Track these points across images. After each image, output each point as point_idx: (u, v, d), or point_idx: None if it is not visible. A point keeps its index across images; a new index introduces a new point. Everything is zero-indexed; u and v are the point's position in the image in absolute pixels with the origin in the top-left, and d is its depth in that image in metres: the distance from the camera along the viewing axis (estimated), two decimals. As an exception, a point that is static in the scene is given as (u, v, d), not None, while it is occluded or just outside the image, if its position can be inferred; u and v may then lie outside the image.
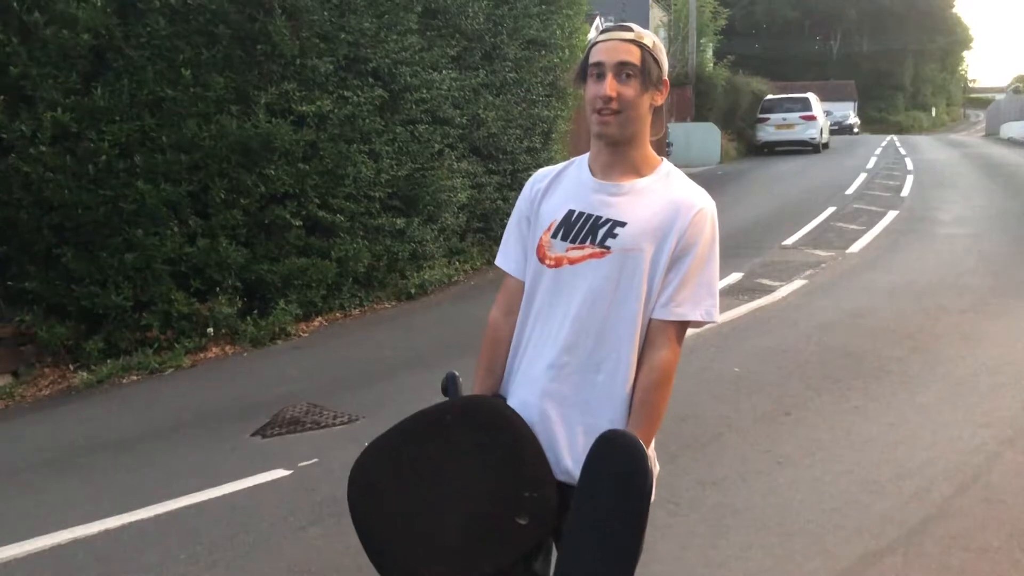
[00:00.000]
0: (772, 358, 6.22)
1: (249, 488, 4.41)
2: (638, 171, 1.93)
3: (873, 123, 55.38)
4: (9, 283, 6.73)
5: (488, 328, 2.08)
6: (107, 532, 4.00)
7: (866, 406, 5.17)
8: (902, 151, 26.64)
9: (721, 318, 7.12)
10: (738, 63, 31.45)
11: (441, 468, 1.89)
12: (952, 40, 73.00)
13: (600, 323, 1.87)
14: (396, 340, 7.46)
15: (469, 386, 2.09)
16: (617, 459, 1.75)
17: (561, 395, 1.89)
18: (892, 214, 13.04)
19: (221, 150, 7.19)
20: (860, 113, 54.76)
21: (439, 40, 9.24)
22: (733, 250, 10.48)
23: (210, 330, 7.25)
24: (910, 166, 21.11)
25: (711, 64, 29.10)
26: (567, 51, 11.59)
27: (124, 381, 6.65)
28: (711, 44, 29.91)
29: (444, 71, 9.23)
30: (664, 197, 1.89)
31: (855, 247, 10.50)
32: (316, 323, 7.99)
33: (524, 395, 1.95)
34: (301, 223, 7.83)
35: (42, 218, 6.66)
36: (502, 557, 1.85)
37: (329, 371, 6.65)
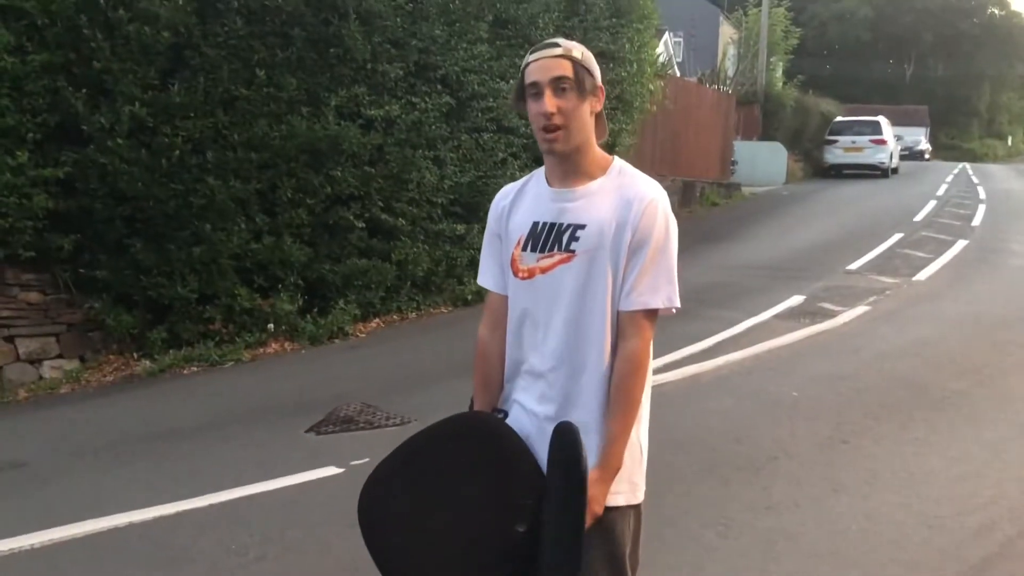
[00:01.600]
0: (831, 384, 6.09)
1: (301, 484, 4.47)
2: (591, 175, 2.00)
3: (945, 150, 54.04)
4: (81, 271, 6.93)
5: (477, 345, 2.17)
6: (162, 518, 4.08)
7: (928, 438, 5.03)
8: (975, 179, 25.94)
9: (781, 341, 7.10)
10: (808, 83, 31.01)
11: (441, 484, 1.95)
12: (1032, 68, 70.94)
13: (577, 324, 1.94)
14: (451, 345, 7.48)
15: None
16: (556, 447, 1.85)
17: (553, 402, 1.96)
18: (962, 243, 12.69)
19: (290, 150, 7.32)
20: (932, 139, 53.48)
21: (508, 50, 9.28)
22: (795, 273, 10.32)
23: (271, 326, 7.37)
24: (982, 195, 20.53)
25: (780, 83, 28.73)
26: (635, 64, 11.56)
27: (185, 372, 6.80)
28: (781, 63, 29.53)
29: (512, 81, 9.28)
30: (616, 194, 1.96)
31: (922, 275, 10.25)
32: (373, 324, 8.07)
33: (521, 406, 2.02)
34: (364, 225, 7.93)
35: (115, 209, 6.85)
36: (505, 564, 1.90)
37: (384, 372, 6.70)
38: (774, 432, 5.12)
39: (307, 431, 5.30)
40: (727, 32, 31.93)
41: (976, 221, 15.60)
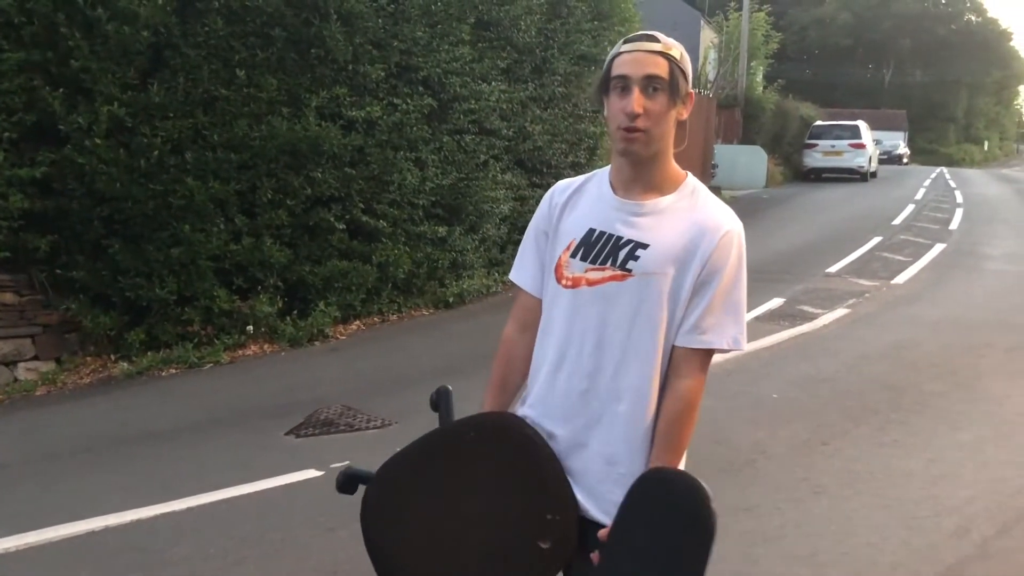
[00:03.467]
0: (811, 386, 6.13)
1: (281, 487, 4.44)
2: (661, 189, 1.83)
3: (923, 154, 54.53)
4: (58, 271, 6.85)
5: (502, 345, 2.00)
6: (140, 522, 4.04)
7: (906, 440, 5.07)
8: (952, 184, 26.21)
9: (761, 343, 7.13)
10: (788, 87, 31.21)
11: (460, 488, 1.80)
12: (1008, 74, 71.74)
13: (621, 350, 1.78)
14: (432, 348, 7.48)
15: (469, 403, 2.02)
16: (677, 498, 1.66)
17: (580, 423, 1.82)
18: (940, 247, 12.82)
19: (270, 151, 7.27)
20: (910, 144, 53.96)
21: (490, 52, 9.28)
22: (775, 275, 10.37)
23: (250, 328, 7.32)
24: (960, 199, 20.76)
25: (761, 87, 28.90)
26: (617, 68, 11.57)
27: (163, 374, 6.74)
28: (762, 67, 29.70)
29: (493, 83, 9.28)
30: (689, 218, 1.79)
31: (900, 278, 10.34)
32: (354, 327, 8.04)
33: (541, 420, 1.86)
34: (344, 227, 7.90)
35: (93, 209, 6.78)
36: None
37: (365, 375, 6.68)
38: (753, 434, 5.14)
39: (287, 433, 5.27)
40: (708, 36, 32.08)
41: (954, 225, 15.77)
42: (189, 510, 4.16)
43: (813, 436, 5.11)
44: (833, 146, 25.44)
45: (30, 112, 6.46)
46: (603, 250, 1.81)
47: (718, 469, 4.56)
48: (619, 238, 1.80)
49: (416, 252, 8.56)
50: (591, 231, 1.84)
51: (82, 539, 3.90)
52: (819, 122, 27.72)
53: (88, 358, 7.01)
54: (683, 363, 1.77)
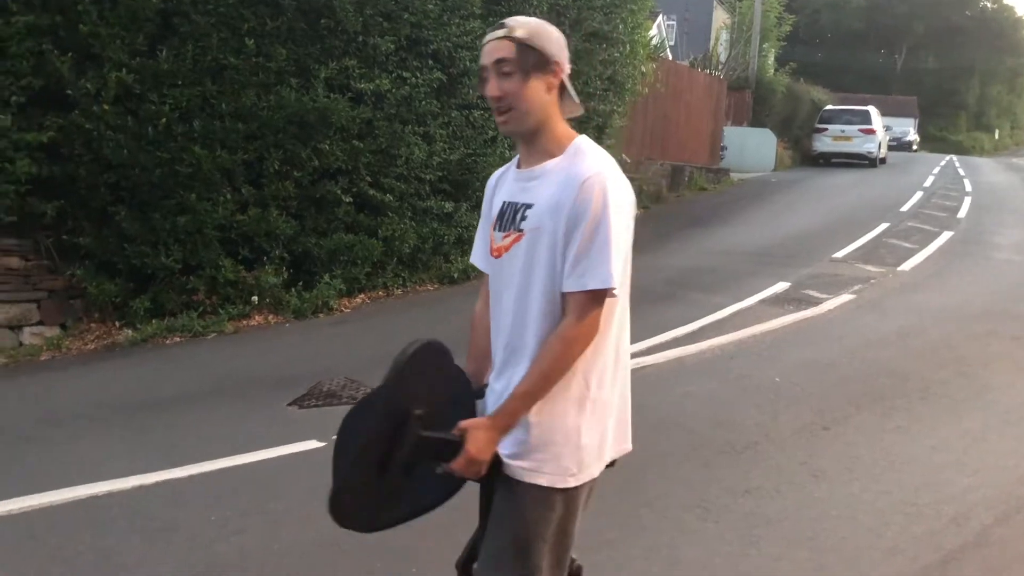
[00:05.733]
0: (814, 371, 6.12)
1: (282, 456, 4.45)
2: (550, 153, 1.98)
3: (933, 141, 54.22)
4: (64, 237, 6.86)
5: (472, 320, 2.25)
6: (142, 488, 4.06)
7: (909, 427, 5.06)
8: (961, 171, 26.05)
9: (765, 327, 7.12)
10: (799, 71, 31.00)
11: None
12: (1021, 62, 71.15)
13: (526, 302, 1.95)
14: (436, 322, 7.46)
15: None
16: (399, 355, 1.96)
17: (502, 378, 1.99)
18: (947, 235, 12.75)
19: (278, 121, 7.25)
20: (920, 130, 53.63)
21: (501, 26, 9.21)
22: (781, 259, 10.34)
23: (254, 298, 7.32)
24: (969, 187, 20.63)
25: (772, 70, 28.71)
26: (628, 46, 11.52)
27: (167, 342, 6.75)
28: (773, 50, 29.48)
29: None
30: (564, 173, 1.93)
31: (907, 265, 10.29)
32: (359, 300, 8.04)
33: (494, 383, 2.04)
34: (351, 200, 7.88)
35: (100, 176, 6.77)
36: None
37: (368, 348, 6.67)
38: (756, 417, 5.14)
39: (289, 404, 5.28)
40: (720, 17, 31.85)
41: (962, 213, 15.67)
42: (191, 478, 4.18)
43: (815, 420, 5.10)
44: (843, 131, 25.28)
45: (38, 76, 6.45)
46: (509, 218, 2.01)
47: (719, 451, 4.56)
48: (517, 203, 2.00)
49: (422, 227, 8.54)
50: (503, 204, 2.05)
51: (84, 503, 3.92)
52: (830, 106, 27.53)
53: (93, 324, 7.02)
54: (566, 306, 1.89)
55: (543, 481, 1.90)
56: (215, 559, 3.46)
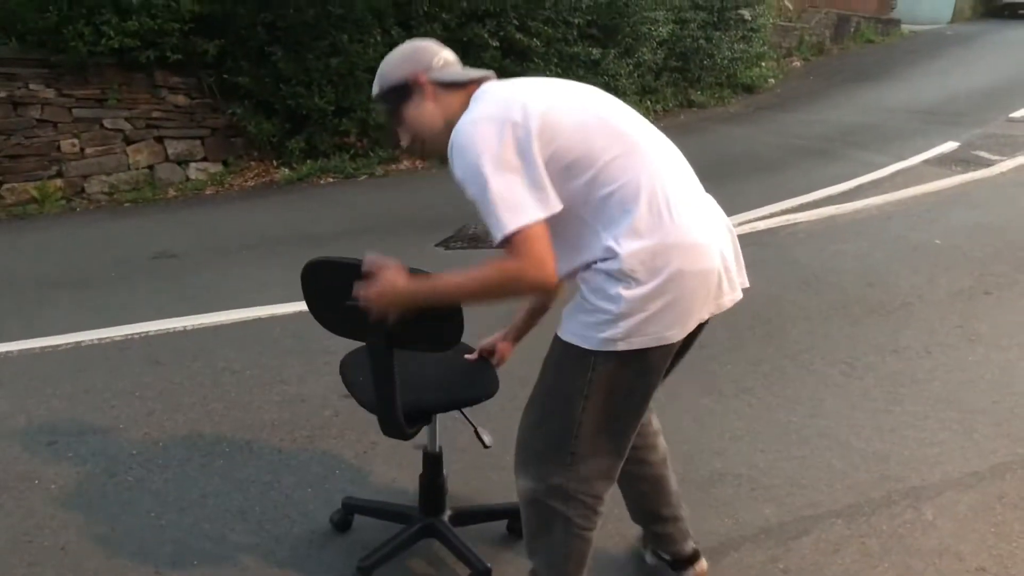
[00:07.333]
0: (979, 234, 5.77)
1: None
2: None
3: None
4: (224, 76, 7.11)
5: None
6: (301, 313, 4.28)
7: (1080, 296, 4.75)
8: None
9: (927, 188, 6.72)
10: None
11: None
12: None
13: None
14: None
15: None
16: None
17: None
18: None
19: (428, -39, 7.15)
20: None
21: None
22: (951, 117, 9.63)
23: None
24: None
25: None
26: None
27: (321, 182, 7.01)
28: None
29: None
30: None
31: (1096, 128, 9.39)
32: (504, 147, 8.04)
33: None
34: (498, 44, 7.77)
35: (257, 15, 6.91)
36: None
37: (512, 194, 6.74)
38: (910, 278, 4.93)
39: (436, 245, 5.45)
40: None
41: None
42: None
43: (976, 284, 4.85)
44: (1036, -22, 22.75)
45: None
46: None
47: (869, 310, 4.43)
48: None
49: (568, 74, 8.37)
50: None
51: (250, 324, 4.24)
52: (1023, -51, 24.70)
53: (252, 163, 7.36)
54: None
55: (571, 339, 1.85)
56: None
